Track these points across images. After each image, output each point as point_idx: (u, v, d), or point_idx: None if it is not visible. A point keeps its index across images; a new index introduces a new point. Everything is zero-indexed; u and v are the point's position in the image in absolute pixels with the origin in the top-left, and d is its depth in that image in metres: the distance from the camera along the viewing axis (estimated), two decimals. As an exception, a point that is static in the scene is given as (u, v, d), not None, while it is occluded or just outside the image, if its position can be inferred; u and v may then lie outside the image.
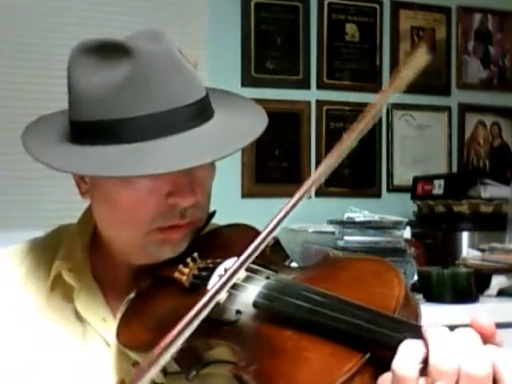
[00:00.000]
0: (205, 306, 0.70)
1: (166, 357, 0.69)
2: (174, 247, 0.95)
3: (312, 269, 0.87)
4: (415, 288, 2.14)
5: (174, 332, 0.68)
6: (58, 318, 1.00)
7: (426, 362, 0.61)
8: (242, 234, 0.97)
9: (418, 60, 0.80)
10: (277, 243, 0.95)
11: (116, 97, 0.88)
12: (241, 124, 0.98)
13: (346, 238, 2.36)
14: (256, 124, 0.99)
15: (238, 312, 0.81)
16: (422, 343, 0.62)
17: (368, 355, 0.66)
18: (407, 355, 0.61)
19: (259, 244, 0.74)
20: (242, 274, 0.83)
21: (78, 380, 0.96)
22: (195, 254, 0.94)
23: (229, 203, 2.82)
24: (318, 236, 2.45)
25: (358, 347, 0.67)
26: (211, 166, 0.98)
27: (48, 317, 1.00)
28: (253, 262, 0.79)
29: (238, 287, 0.83)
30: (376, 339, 0.66)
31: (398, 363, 0.61)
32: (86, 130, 0.92)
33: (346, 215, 2.43)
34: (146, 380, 0.69)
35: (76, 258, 1.02)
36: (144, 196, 0.92)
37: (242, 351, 0.77)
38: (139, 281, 0.98)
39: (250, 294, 0.82)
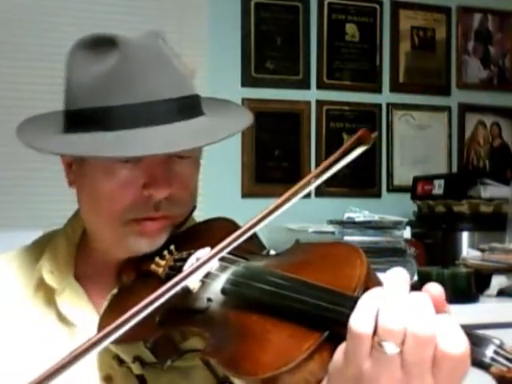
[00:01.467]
0: (168, 289, 0.71)
1: (114, 336, 0.68)
2: (150, 240, 0.96)
3: (282, 256, 0.89)
4: (415, 288, 2.14)
5: (132, 311, 0.69)
6: (41, 323, 1.01)
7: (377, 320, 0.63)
8: (220, 227, 0.98)
9: (354, 154, 0.82)
10: (253, 235, 0.96)
11: (101, 87, 0.92)
12: (224, 122, 1.01)
13: (345, 238, 2.36)
14: (239, 122, 1.02)
15: (209, 300, 0.83)
16: (378, 301, 0.64)
17: (326, 333, 0.68)
18: (362, 311, 0.63)
19: (234, 239, 0.75)
20: (216, 263, 0.85)
21: (64, 378, 0.97)
22: (172, 247, 0.96)
23: (229, 203, 2.82)
24: (317, 236, 2.45)
25: (317, 327, 0.69)
26: (193, 163, 0.99)
27: (31, 321, 1.01)
28: (227, 252, 0.80)
29: (211, 276, 0.86)
30: (333, 318, 0.68)
31: (353, 319, 0.64)
32: (74, 118, 0.96)
33: (346, 215, 2.43)
34: (95, 351, 0.69)
35: (59, 260, 1.04)
36: (121, 185, 0.94)
37: (210, 337, 0.78)
38: (122, 277, 1.00)
39: (219, 281, 0.84)
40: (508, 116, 3.41)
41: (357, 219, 2.40)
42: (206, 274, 0.85)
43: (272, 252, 0.96)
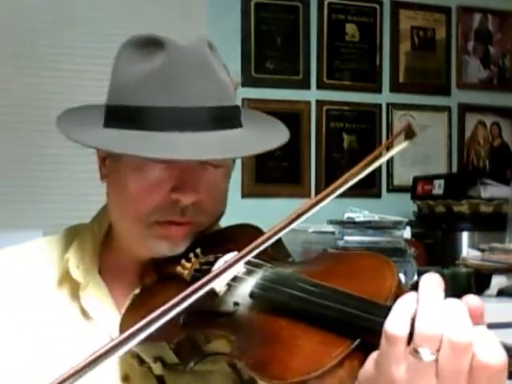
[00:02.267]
0: (195, 290, 0.71)
1: (142, 335, 0.68)
2: (172, 245, 0.96)
3: (309, 263, 0.89)
4: (415, 288, 2.14)
5: (157, 312, 0.69)
6: (64, 315, 1.01)
7: (413, 326, 0.62)
8: (246, 233, 0.98)
9: (397, 149, 0.83)
10: (279, 241, 0.96)
11: (144, 86, 0.93)
12: (259, 136, 1.01)
13: (346, 237, 2.36)
14: (274, 138, 1.02)
15: (236, 304, 0.83)
16: (413, 305, 0.63)
17: (357, 341, 0.68)
18: (398, 314, 0.63)
19: (260, 243, 0.75)
20: (242, 267, 0.86)
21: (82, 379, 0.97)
22: (198, 250, 0.96)
23: (229, 203, 2.81)
24: (317, 236, 2.45)
25: (348, 334, 0.69)
26: (224, 173, 1.00)
27: (53, 314, 1.01)
28: (253, 257, 0.81)
29: (237, 280, 0.86)
30: (365, 326, 0.68)
31: (389, 322, 0.63)
32: (114, 113, 0.97)
33: (346, 215, 2.43)
34: (122, 351, 0.70)
35: (85, 255, 1.04)
36: (150, 186, 0.95)
37: (237, 341, 0.79)
38: (145, 277, 1.00)
39: (247, 285, 0.84)
40: (508, 116, 3.41)
41: (357, 219, 2.40)
42: (233, 277, 0.85)
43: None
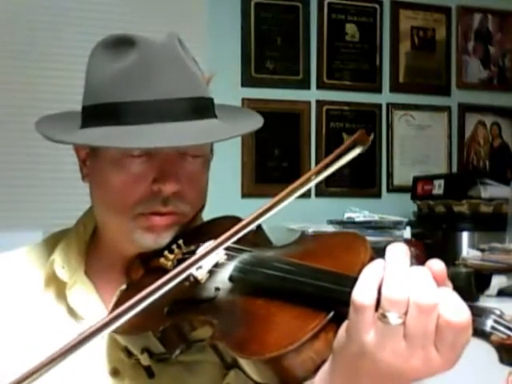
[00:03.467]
0: (174, 276, 0.73)
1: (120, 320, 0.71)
2: (156, 236, 0.98)
3: (287, 246, 0.92)
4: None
5: (139, 296, 0.71)
6: (51, 316, 1.02)
7: (380, 292, 0.65)
8: (228, 224, 1.00)
9: (351, 155, 0.86)
10: (259, 229, 0.99)
11: (118, 83, 0.95)
12: (234, 124, 1.03)
13: (346, 238, 2.35)
14: (249, 124, 1.05)
15: (217, 289, 0.86)
16: (380, 273, 0.66)
17: (331, 314, 0.71)
18: (365, 283, 0.65)
19: (236, 231, 0.77)
20: (223, 254, 0.88)
21: (72, 372, 0.98)
22: (180, 241, 0.98)
23: (229, 203, 2.81)
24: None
25: (322, 307, 0.71)
26: (203, 163, 1.02)
27: (41, 315, 1.02)
28: (234, 243, 0.83)
29: (219, 266, 0.88)
30: (338, 298, 0.70)
31: (356, 291, 0.65)
32: (91, 112, 0.99)
33: (346, 215, 2.43)
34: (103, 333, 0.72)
35: (70, 256, 1.06)
36: (132, 179, 0.97)
37: (218, 324, 0.81)
38: (130, 273, 1.02)
39: (227, 270, 0.87)
40: (508, 116, 3.41)
41: (357, 219, 2.40)
42: (214, 264, 0.88)
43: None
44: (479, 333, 0.63)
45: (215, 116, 1.01)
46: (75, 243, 1.07)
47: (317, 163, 3.07)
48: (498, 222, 2.62)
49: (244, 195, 2.96)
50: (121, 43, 0.97)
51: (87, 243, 1.09)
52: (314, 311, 0.72)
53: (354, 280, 0.68)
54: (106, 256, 1.05)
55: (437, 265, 0.67)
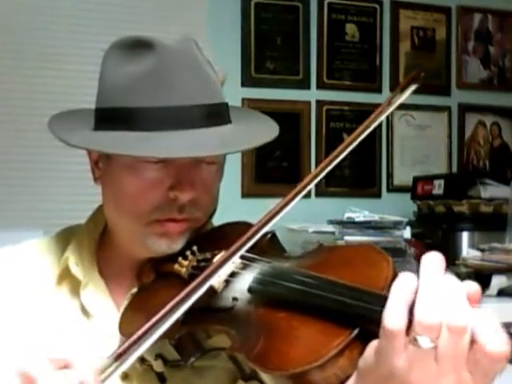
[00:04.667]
0: (194, 289, 0.73)
1: (150, 338, 0.72)
2: (170, 242, 0.97)
3: (305, 257, 0.91)
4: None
5: (159, 315, 0.71)
6: (63, 312, 1.02)
7: (411, 313, 0.63)
8: (241, 230, 0.99)
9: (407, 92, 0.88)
10: (274, 237, 0.98)
11: (135, 87, 0.94)
12: (251, 131, 1.02)
13: (346, 238, 2.36)
14: (266, 133, 1.03)
15: (235, 299, 0.85)
16: (410, 294, 0.64)
17: (356, 331, 0.69)
18: (395, 307, 0.63)
19: (252, 235, 0.78)
20: (238, 263, 0.88)
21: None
22: (194, 248, 0.97)
23: (229, 203, 2.81)
24: (318, 236, 2.45)
25: (347, 324, 0.70)
26: (217, 169, 1.01)
27: (52, 311, 1.02)
28: (249, 252, 0.83)
29: (235, 275, 0.87)
30: (363, 315, 0.69)
31: (387, 316, 0.63)
32: (105, 116, 0.98)
33: (346, 215, 2.43)
34: (133, 357, 0.72)
35: (83, 254, 1.05)
36: (147, 185, 0.96)
37: (237, 335, 0.80)
38: (142, 276, 1.01)
39: (245, 280, 0.85)
40: (508, 116, 3.41)
41: (357, 219, 2.40)
42: (231, 273, 0.87)
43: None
44: None
45: (230, 121, 1.00)
46: (87, 242, 1.07)
47: (317, 163, 3.07)
48: (498, 222, 2.61)
49: (244, 195, 2.96)
50: (137, 45, 0.96)
51: (97, 242, 1.08)
52: (338, 327, 0.70)
53: (381, 298, 0.67)
54: (117, 258, 1.05)
55: (472, 286, 0.65)
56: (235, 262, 0.87)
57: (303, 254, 0.92)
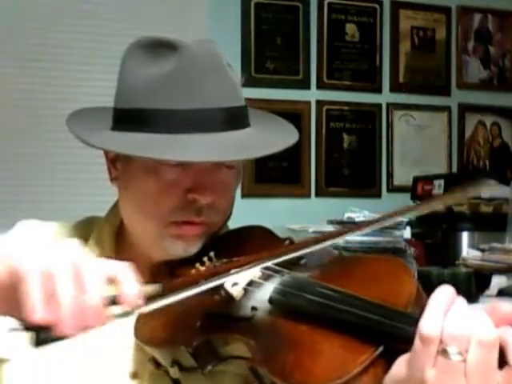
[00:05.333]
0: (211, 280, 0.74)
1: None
2: (186, 245, 0.97)
3: (325, 267, 0.89)
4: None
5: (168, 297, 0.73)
6: None
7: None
8: (258, 235, 0.99)
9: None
10: (291, 243, 0.97)
11: (158, 89, 0.93)
12: (271, 136, 1.02)
13: (346, 238, 2.36)
14: (286, 138, 1.02)
15: (254, 308, 0.83)
16: (445, 307, 0.65)
17: (381, 348, 0.69)
18: (433, 314, 0.65)
19: (278, 255, 0.79)
20: (258, 272, 0.86)
21: (92, 366, 0.98)
22: (211, 253, 0.96)
23: (229, 203, 2.81)
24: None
25: (372, 341, 0.69)
26: (235, 173, 1.01)
27: None
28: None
29: (254, 284, 0.86)
30: (389, 332, 0.69)
31: (424, 323, 0.64)
32: (126, 116, 0.97)
33: (346, 215, 2.43)
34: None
35: (105, 246, 1.05)
36: (167, 187, 0.95)
37: (257, 346, 0.79)
38: (157, 279, 1.00)
39: (265, 290, 0.84)
40: (508, 116, 3.41)
41: (357, 219, 2.40)
42: (249, 282, 0.86)
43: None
44: None
45: (249, 124, 1.00)
46: (108, 238, 1.06)
47: (317, 163, 3.07)
48: (498, 222, 2.61)
49: (244, 195, 2.96)
50: (160, 46, 0.95)
51: (116, 235, 1.07)
52: (362, 343, 0.70)
53: (406, 315, 0.68)
54: (134, 257, 1.02)
55: (507, 307, 0.66)
56: (254, 271, 0.86)
57: (322, 264, 0.91)
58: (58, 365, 0.98)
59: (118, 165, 1.01)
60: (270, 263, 0.79)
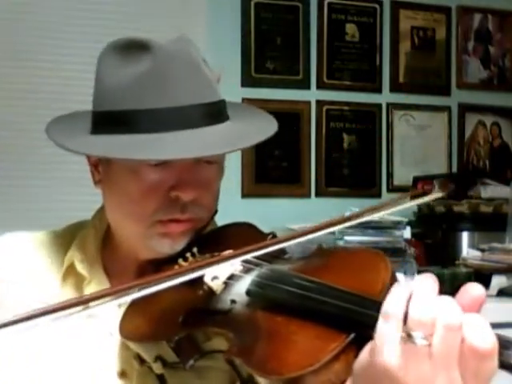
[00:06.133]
0: (182, 273, 0.76)
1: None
2: (172, 242, 0.97)
3: (305, 259, 0.91)
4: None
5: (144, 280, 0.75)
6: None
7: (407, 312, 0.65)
8: (243, 232, 0.99)
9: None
10: (274, 237, 0.98)
11: (134, 89, 0.94)
12: (250, 128, 1.02)
13: (346, 237, 2.36)
14: (265, 129, 1.03)
15: (233, 301, 0.85)
16: (409, 291, 0.65)
17: (352, 335, 0.70)
18: (395, 295, 0.65)
19: (257, 248, 0.78)
20: (238, 266, 0.88)
21: (80, 367, 0.99)
22: (194, 249, 0.97)
23: (229, 203, 2.81)
24: (317, 236, 2.45)
25: (343, 328, 0.70)
26: (218, 168, 1.01)
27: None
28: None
29: (234, 278, 0.87)
30: (360, 320, 0.69)
31: (387, 302, 0.65)
32: (104, 119, 0.97)
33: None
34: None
35: (88, 250, 1.06)
36: (149, 187, 0.96)
37: (234, 338, 0.80)
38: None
39: (244, 283, 0.86)
40: (508, 116, 3.41)
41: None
42: (229, 276, 0.87)
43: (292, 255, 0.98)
44: (507, 366, 0.62)
45: (227, 118, 1.00)
46: (93, 239, 1.07)
47: (317, 163, 3.07)
48: (498, 222, 2.61)
49: (244, 195, 2.96)
50: (133, 47, 0.96)
51: (102, 239, 1.08)
52: (334, 332, 0.71)
53: (376, 303, 0.68)
54: (121, 258, 1.05)
55: (477, 290, 0.65)
56: (235, 264, 0.87)
57: (303, 257, 0.92)
58: (46, 366, 0.99)
59: (100, 168, 1.02)
60: (247, 256, 0.80)
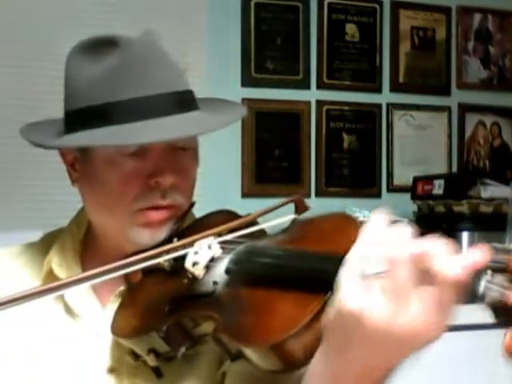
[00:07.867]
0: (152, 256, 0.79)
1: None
2: (152, 232, 0.98)
3: (281, 233, 0.93)
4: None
5: (119, 263, 0.79)
6: (49, 314, 1.03)
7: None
8: (222, 218, 1.01)
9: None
10: (254, 222, 0.99)
11: (104, 83, 0.95)
12: (220, 114, 1.05)
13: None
14: (234, 114, 1.08)
15: (215, 283, 0.87)
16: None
17: (329, 294, 0.71)
18: (357, 243, 0.69)
19: (233, 227, 0.82)
20: (217, 248, 0.90)
21: (70, 370, 0.99)
22: (175, 240, 0.98)
23: (229, 203, 2.81)
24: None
25: (320, 290, 0.72)
26: (193, 155, 1.03)
27: (38, 313, 1.02)
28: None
29: (214, 260, 0.89)
30: (333, 278, 0.70)
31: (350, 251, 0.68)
32: (77, 116, 0.99)
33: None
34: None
35: (67, 255, 1.06)
36: (127, 177, 0.97)
37: (220, 317, 0.82)
38: (128, 275, 1.01)
39: (223, 263, 0.88)
40: (508, 116, 3.41)
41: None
42: (210, 259, 0.89)
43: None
44: (473, 295, 0.64)
45: (197, 107, 1.02)
46: (70, 243, 1.08)
47: (317, 163, 3.07)
48: (498, 222, 2.61)
49: (244, 195, 2.96)
50: (101, 44, 0.97)
51: (81, 242, 1.09)
52: (312, 294, 0.73)
53: (342, 257, 0.70)
54: (102, 256, 1.05)
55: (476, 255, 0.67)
56: (214, 247, 0.89)
57: (280, 231, 0.94)
58: (45, 366, 0.99)
59: (78, 165, 1.03)
60: (212, 233, 0.83)
